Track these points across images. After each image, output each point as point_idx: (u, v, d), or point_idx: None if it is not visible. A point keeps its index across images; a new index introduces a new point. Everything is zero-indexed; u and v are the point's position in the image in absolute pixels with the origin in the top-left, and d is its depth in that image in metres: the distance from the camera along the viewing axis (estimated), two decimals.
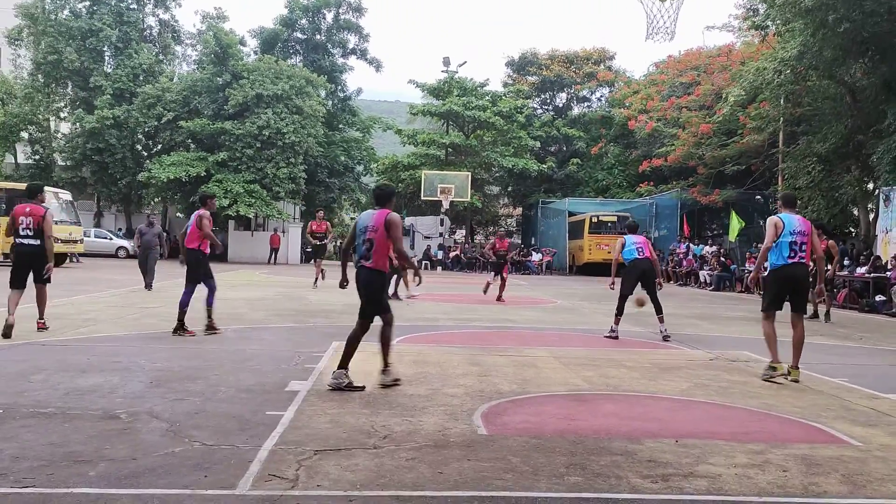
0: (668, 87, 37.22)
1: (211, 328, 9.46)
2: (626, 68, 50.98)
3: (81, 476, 3.81)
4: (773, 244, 7.34)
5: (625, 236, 10.91)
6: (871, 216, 22.09)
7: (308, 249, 15.26)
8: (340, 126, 43.87)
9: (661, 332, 10.43)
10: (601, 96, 49.08)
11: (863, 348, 10.02)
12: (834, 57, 19.85)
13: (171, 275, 22.27)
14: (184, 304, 9.32)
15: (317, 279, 18.33)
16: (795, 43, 20.38)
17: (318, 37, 44.25)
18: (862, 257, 19.76)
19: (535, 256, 36.84)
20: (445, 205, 37.85)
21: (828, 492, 3.93)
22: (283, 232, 38.65)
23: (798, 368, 7.28)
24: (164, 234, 21.73)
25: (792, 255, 7.27)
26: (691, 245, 30.47)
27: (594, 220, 34.38)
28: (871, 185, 22.37)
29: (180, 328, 9.19)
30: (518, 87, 46.14)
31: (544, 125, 44.93)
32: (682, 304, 18.01)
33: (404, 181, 41.15)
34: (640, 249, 10.56)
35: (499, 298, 16.07)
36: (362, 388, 6.19)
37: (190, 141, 37.64)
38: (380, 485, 3.81)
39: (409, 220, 41.09)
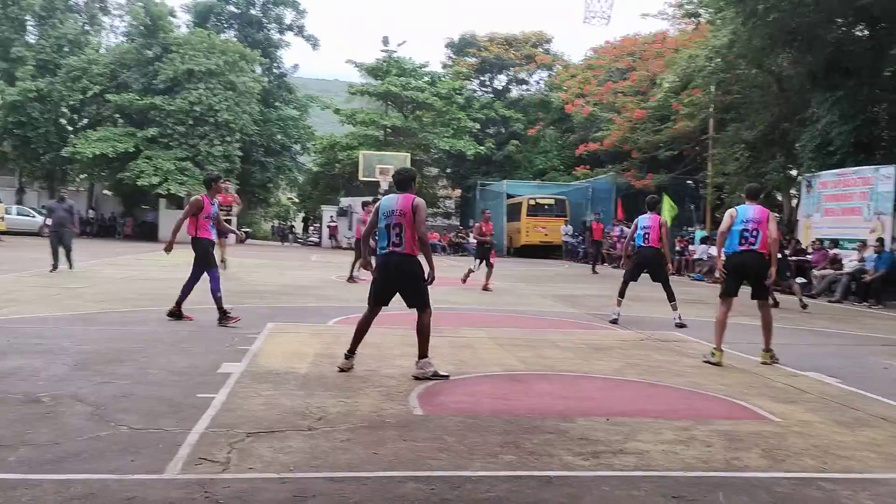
0: (604, 72, 37.73)
1: (175, 314, 8.95)
2: (563, 52, 51.31)
3: (1, 461, 3.67)
4: (728, 233, 7.60)
5: (637, 217, 10.61)
6: (794, 202, 22.93)
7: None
8: (277, 104, 43.06)
9: (675, 319, 10.13)
10: (539, 79, 49.46)
11: (784, 328, 10.42)
12: (762, 46, 20.42)
13: (96, 253, 21.58)
14: (215, 292, 8.92)
15: (223, 259, 15.12)
16: (726, 31, 20.89)
17: (252, 11, 43.24)
18: (784, 241, 20.50)
19: (472, 238, 37.02)
20: (384, 186, 37.58)
21: (749, 466, 4.09)
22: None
23: (768, 351, 7.46)
24: (79, 211, 20.83)
25: (742, 242, 7.44)
26: (625, 228, 31.07)
27: (532, 202, 34.73)
28: (794, 172, 23.20)
29: (223, 317, 8.80)
30: (457, 68, 46.09)
31: (483, 107, 45.03)
32: (615, 286, 18.40)
33: (342, 161, 40.72)
34: (646, 235, 10.21)
35: (485, 287, 14.93)
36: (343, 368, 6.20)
37: (118, 116, 36.33)
38: (314, 466, 3.79)
39: (346, 201, 40.70)
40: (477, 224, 16.24)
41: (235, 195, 17.72)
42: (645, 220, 10.40)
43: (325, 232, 40.52)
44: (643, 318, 11.21)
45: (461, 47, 48.70)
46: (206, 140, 34.37)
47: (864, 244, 16.61)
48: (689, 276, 22.33)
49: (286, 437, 4.25)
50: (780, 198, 24.81)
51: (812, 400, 5.88)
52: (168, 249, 9.38)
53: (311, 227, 48.48)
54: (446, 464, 3.90)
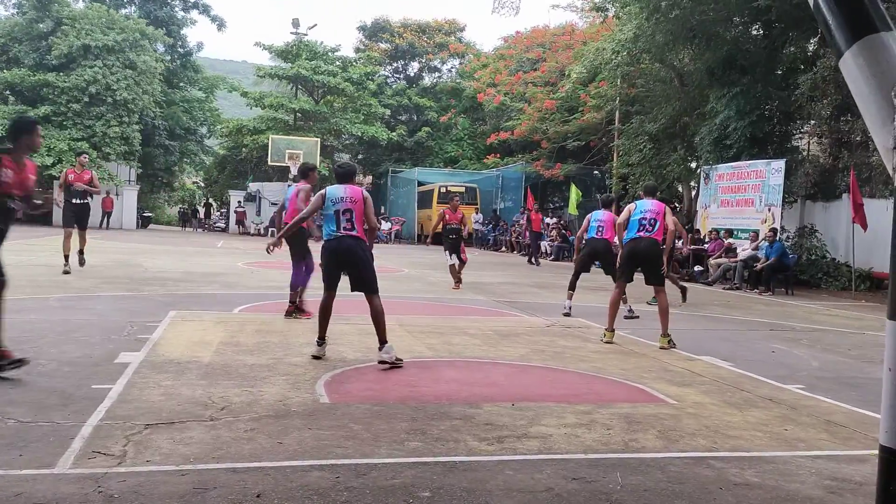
0: (515, 62, 38.18)
1: (300, 311, 8.71)
2: (475, 41, 51.79)
3: None
4: (627, 224, 8.04)
5: (590, 213, 10.26)
6: (694, 193, 23.89)
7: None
8: (181, 85, 41.57)
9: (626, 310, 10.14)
10: (452, 67, 49.61)
11: (681, 314, 10.88)
12: (665, 42, 21.11)
13: None
14: (294, 286, 8.78)
15: (81, 251, 12.62)
16: (631, 26, 21.47)
17: None
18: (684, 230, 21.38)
19: (385, 225, 36.94)
20: (293, 171, 36.96)
21: (645, 447, 4.25)
22: (117, 195, 36.31)
23: (666, 336, 7.75)
24: None
25: (639, 229, 7.87)
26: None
27: (443, 190, 34.87)
28: (693, 164, 24.14)
29: (296, 310, 8.59)
30: (370, 53, 45.68)
31: (396, 94, 44.84)
32: (523, 274, 18.74)
33: (248, 146, 39.78)
34: (600, 228, 9.96)
35: (456, 285, 13.40)
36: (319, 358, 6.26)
37: (8, 93, 34.24)
38: (215, 457, 3.70)
39: (255, 186, 39.81)
40: (441, 211, 14.22)
41: (93, 172, 13.89)
42: (598, 214, 9.81)
43: (233, 217, 39.55)
44: (549, 304, 11.46)
45: (374, 32, 48.29)
46: (103, 120, 32.82)
47: (756, 234, 17.50)
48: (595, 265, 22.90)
49: (186, 429, 4.13)
50: (680, 189, 25.78)
51: (706, 383, 6.16)
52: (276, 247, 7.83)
53: (219, 213, 47.20)
54: (352, 451, 3.88)
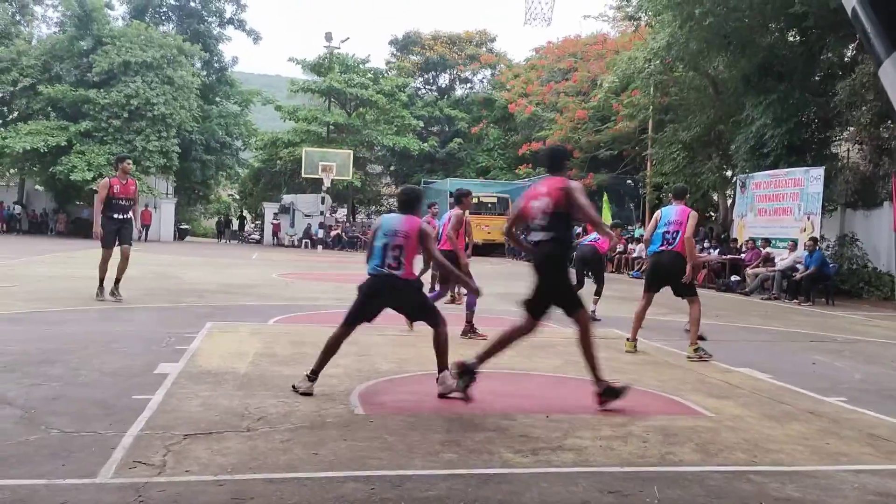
0: (546, 72, 38.15)
1: (471, 332, 8.74)
2: (506, 52, 51.92)
3: None
4: (651, 234, 7.98)
5: (660, 210, 9.39)
6: (730, 202, 23.58)
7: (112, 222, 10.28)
8: (217, 99, 42.25)
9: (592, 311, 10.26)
10: (483, 78, 49.76)
11: (717, 325, 10.73)
12: (699, 49, 20.94)
13: (26, 250, 20.84)
14: (470, 305, 8.86)
15: (119, 279, 10.62)
16: (664, 34, 21.34)
17: (192, 3, 42.31)
18: (719, 240, 21.13)
19: None
20: (327, 183, 37.31)
21: (683, 460, 4.20)
22: (155, 208, 36.97)
23: (694, 344, 7.70)
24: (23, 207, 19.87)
25: (662, 243, 7.77)
26: None
27: (474, 200, 34.90)
28: (729, 173, 23.85)
29: (470, 330, 8.74)
30: (401, 65, 46.01)
31: (427, 105, 45.09)
32: None
33: (283, 158, 40.26)
34: (672, 235, 8.29)
35: (452, 299, 12.10)
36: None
37: (50, 109, 35.13)
38: (252, 468, 3.73)
39: (289, 198, 40.23)
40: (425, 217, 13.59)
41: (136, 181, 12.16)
42: (671, 214, 7.94)
43: (269, 229, 40.01)
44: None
45: (405, 45, 48.66)
46: (143, 135, 33.50)
47: (794, 243, 17.20)
48: (629, 274, 22.73)
49: (224, 439, 4.18)
50: (715, 198, 25.48)
51: (744, 395, 6.06)
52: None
53: (254, 224, 47.77)
54: (387, 463, 3.89)
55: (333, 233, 37.34)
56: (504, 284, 17.72)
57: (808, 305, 15.27)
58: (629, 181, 33.54)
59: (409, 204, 5.81)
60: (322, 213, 39.16)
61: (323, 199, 39.36)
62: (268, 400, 5.11)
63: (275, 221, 39.61)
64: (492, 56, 47.96)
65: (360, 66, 42.74)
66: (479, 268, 23.33)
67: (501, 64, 47.67)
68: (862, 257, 17.82)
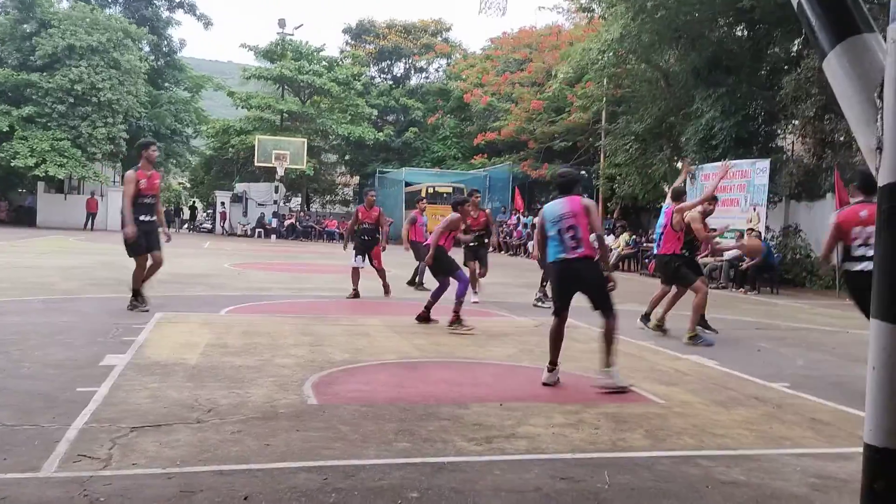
0: (502, 62, 38.26)
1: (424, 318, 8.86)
2: (462, 42, 51.95)
3: None
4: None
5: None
6: None
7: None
8: (167, 85, 41.32)
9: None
10: (438, 68, 49.65)
11: (670, 314, 10.90)
12: (651, 42, 21.21)
13: None
14: (459, 295, 8.66)
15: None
16: (618, 26, 21.56)
17: None
18: None
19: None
20: (280, 172, 36.88)
21: (633, 446, 4.27)
22: (102, 196, 36.06)
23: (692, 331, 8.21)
24: None
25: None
26: (521, 216, 31.68)
27: (430, 190, 34.87)
28: (679, 164, 24.25)
29: (455, 320, 8.53)
30: (356, 54, 45.63)
31: (382, 94, 44.82)
32: (511, 274, 18.76)
33: (235, 146, 39.63)
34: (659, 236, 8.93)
35: (354, 294, 11.41)
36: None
37: None
38: (202, 460, 3.68)
39: (241, 187, 39.66)
40: (357, 209, 12.31)
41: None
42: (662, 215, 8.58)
43: (219, 218, 39.39)
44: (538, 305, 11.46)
45: (359, 33, 48.26)
46: (89, 121, 32.57)
47: (741, 234, 17.59)
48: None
49: (173, 431, 4.11)
50: (666, 188, 25.88)
51: (692, 382, 6.18)
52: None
53: (205, 213, 46.98)
54: (340, 453, 3.87)
55: (287, 222, 36.95)
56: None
57: (754, 294, 15.65)
58: (583, 172, 33.88)
59: (568, 186, 5.99)
60: (276, 202, 38.71)
61: (276, 188, 38.90)
62: (218, 391, 5.04)
63: (222, 210, 39.02)
64: (447, 46, 47.87)
65: (314, 53, 42.23)
66: None
67: (457, 54, 47.63)
68: (805, 248, 18.33)
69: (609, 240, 22.63)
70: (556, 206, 5.89)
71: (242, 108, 41.30)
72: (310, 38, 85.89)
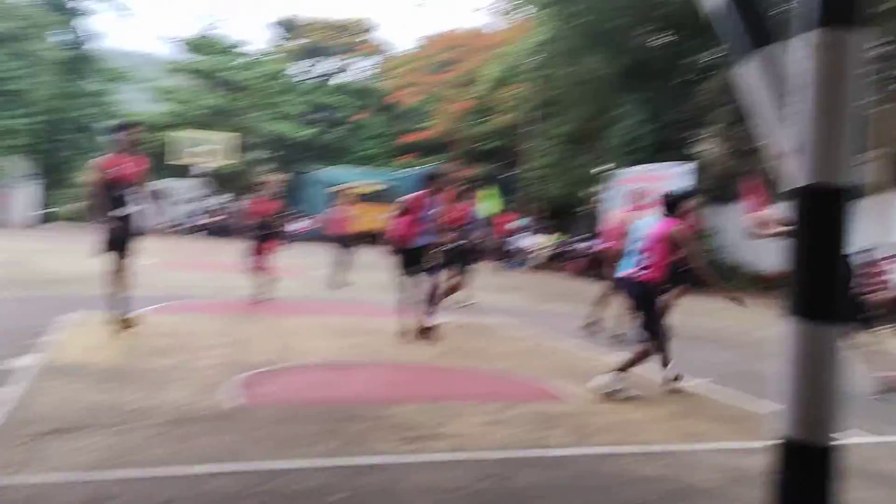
0: (430, 62, 38.32)
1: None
2: (390, 41, 51.92)
3: None
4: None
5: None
6: (602, 195, 24.53)
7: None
8: (83, 77, 39.77)
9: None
10: (366, 66, 49.37)
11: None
12: (577, 46, 21.64)
13: None
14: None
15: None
16: (546, 30, 21.91)
17: None
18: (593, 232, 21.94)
19: (299, 224, 36.38)
20: (205, 168, 35.97)
21: (554, 444, 4.34)
22: (11, 189, 34.42)
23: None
24: None
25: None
26: None
27: (358, 189, 34.67)
28: (602, 167, 24.80)
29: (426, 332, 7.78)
30: (281, 50, 44.96)
31: (308, 92, 44.29)
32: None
33: (157, 141, 38.45)
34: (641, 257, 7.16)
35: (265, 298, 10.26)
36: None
37: None
38: (118, 464, 3.55)
39: (164, 183, 38.50)
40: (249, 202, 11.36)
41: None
42: (645, 227, 6.15)
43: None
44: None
45: (285, 29, 47.56)
46: None
47: None
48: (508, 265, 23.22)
49: (87, 435, 3.95)
50: (590, 191, 26.45)
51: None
52: None
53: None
54: (261, 456, 3.80)
55: (211, 219, 36.07)
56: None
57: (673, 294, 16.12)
58: (510, 173, 34.29)
59: (671, 207, 5.90)
60: (200, 198, 37.73)
61: (200, 184, 37.90)
62: (137, 393, 4.87)
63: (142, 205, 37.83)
64: (374, 45, 47.67)
65: (238, 48, 41.39)
66: (364, 257, 23.21)
67: (384, 53, 47.48)
68: (719, 250, 19.02)
69: (537, 239, 23.01)
70: (645, 224, 5.98)
71: (164, 101, 40.12)
72: (234, 34, 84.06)
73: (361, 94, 44.88)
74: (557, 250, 22.39)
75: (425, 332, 7.66)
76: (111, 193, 6.97)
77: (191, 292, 11.40)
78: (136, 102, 45.54)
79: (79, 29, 39.75)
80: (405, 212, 7.68)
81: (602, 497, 3.52)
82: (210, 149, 35.16)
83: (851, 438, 4.71)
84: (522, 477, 3.71)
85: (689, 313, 12.37)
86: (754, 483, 3.76)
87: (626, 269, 6.00)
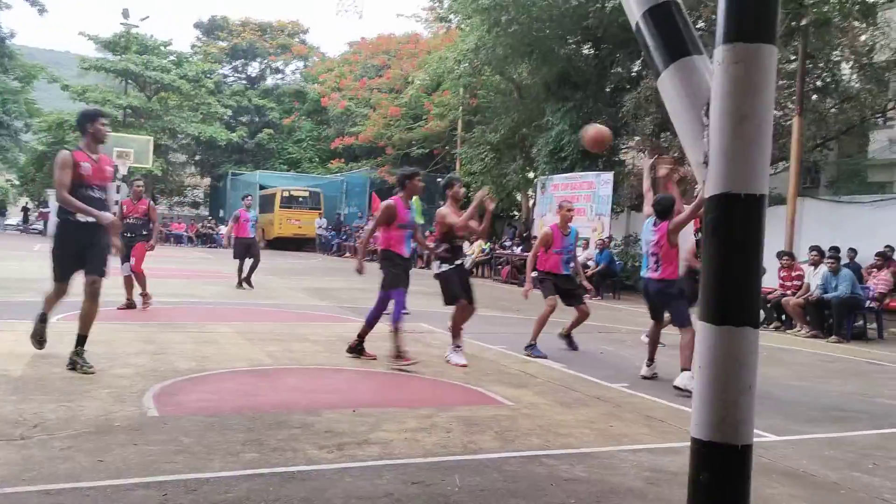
0: (360, 67, 38.17)
1: (356, 349, 7.27)
2: (320, 45, 51.54)
3: None
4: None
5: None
6: (531, 202, 24.90)
7: None
8: None
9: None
10: (295, 69, 48.85)
11: (519, 319, 11.29)
12: (504, 55, 21.89)
13: None
14: (394, 320, 6.92)
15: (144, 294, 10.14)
16: (473, 38, 22.09)
17: None
18: (521, 238, 22.24)
19: (224, 229, 35.63)
20: (123, 171, 34.76)
21: (483, 448, 4.36)
22: None
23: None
24: None
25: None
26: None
27: (285, 194, 34.18)
28: (531, 174, 25.16)
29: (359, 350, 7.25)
30: (207, 50, 43.99)
31: (235, 94, 43.50)
32: (367, 280, 18.68)
33: (70, 143, 37.01)
34: (657, 259, 7.13)
35: (127, 304, 9.88)
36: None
37: None
38: (26, 479, 3.38)
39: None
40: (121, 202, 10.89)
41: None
42: (650, 230, 6.97)
43: (38, 218, 36.77)
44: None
45: (211, 29, 46.63)
46: None
47: (587, 242, 18.49)
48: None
49: None
50: (519, 197, 26.77)
51: (539, 384, 6.41)
52: (360, 271, 7.11)
53: (37, 214, 43.58)
54: (182, 466, 3.68)
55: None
56: (320, 279, 17.52)
57: (598, 299, 16.46)
58: (439, 179, 34.39)
59: (664, 213, 6.81)
60: (117, 202, 36.51)
61: (118, 188, 36.63)
62: (47, 405, 4.66)
63: (44, 210, 36.48)
64: (304, 47, 47.20)
65: (162, 47, 40.32)
66: (291, 262, 22.91)
67: (314, 56, 47.04)
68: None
69: (465, 247, 23.11)
70: (646, 232, 6.96)
71: (79, 101, 38.68)
72: (157, 32, 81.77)
73: (291, 97, 44.33)
74: (486, 256, 22.58)
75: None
76: (82, 193, 5.82)
77: (107, 299, 10.99)
78: (50, 101, 43.81)
79: None
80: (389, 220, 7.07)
81: (530, 500, 3.55)
82: (129, 150, 34.04)
83: (762, 437, 4.91)
84: (451, 482, 3.70)
85: (615, 319, 12.66)
86: (673, 483, 3.87)
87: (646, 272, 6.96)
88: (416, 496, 3.50)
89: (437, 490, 3.59)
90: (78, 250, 5.83)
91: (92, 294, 5.88)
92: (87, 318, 5.94)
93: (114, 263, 8.64)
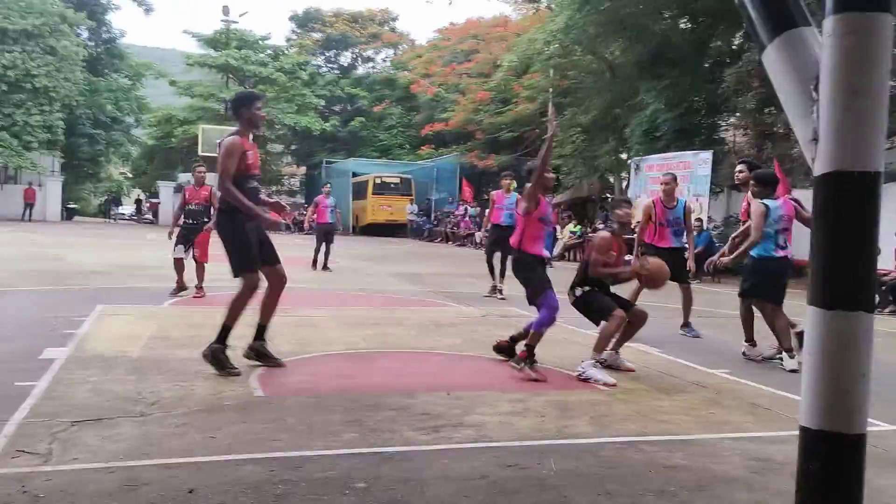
0: (449, 53, 38.24)
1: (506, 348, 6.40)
2: (409, 31, 52.03)
3: None
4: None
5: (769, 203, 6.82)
6: (625, 184, 24.40)
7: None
8: (106, 72, 40.16)
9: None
10: (386, 57, 49.41)
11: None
12: (596, 34, 21.48)
13: None
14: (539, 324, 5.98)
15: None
16: (563, 17, 21.75)
17: None
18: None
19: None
20: None
21: (578, 433, 4.33)
22: (40, 185, 34.92)
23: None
24: None
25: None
26: (469, 207, 31.77)
27: (378, 181, 34.73)
28: (624, 155, 24.65)
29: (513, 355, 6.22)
30: (302, 42, 45.06)
31: (328, 84, 44.39)
32: (458, 264, 18.82)
33: (178, 136, 38.78)
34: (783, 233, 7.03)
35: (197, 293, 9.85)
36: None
37: None
38: (146, 453, 3.60)
39: (185, 177, 38.81)
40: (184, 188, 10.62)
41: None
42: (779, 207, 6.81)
43: (148, 209, 38.73)
44: (484, 295, 11.54)
45: (305, 22, 47.69)
46: (24, 108, 31.49)
47: (700, 223, 17.95)
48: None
49: (115, 425, 4.01)
50: (612, 179, 26.28)
51: (636, 369, 6.30)
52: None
53: (147, 205, 45.98)
54: (286, 444, 3.84)
55: None
56: (412, 265, 17.77)
57: (696, 283, 16.00)
58: (529, 163, 34.20)
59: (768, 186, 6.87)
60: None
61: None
62: (162, 384, 4.94)
63: (154, 200, 38.33)
64: (394, 35, 47.66)
65: (259, 42, 41.57)
66: (384, 248, 23.31)
67: (404, 44, 47.44)
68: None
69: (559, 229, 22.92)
70: (777, 207, 6.80)
71: (185, 96, 40.42)
72: (255, 27, 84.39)
73: (381, 84, 44.90)
74: (578, 240, 22.31)
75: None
76: (244, 185, 5.48)
77: (216, 284, 11.50)
78: (158, 97, 45.96)
79: (103, 25, 40.16)
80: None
81: (627, 486, 3.51)
82: None
83: (875, 426, 4.67)
84: (546, 466, 3.71)
85: (714, 303, 12.29)
86: (779, 472, 3.74)
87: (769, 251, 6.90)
88: (511, 479, 3.52)
89: (532, 473, 3.60)
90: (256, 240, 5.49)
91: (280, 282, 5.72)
92: (268, 307, 5.73)
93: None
